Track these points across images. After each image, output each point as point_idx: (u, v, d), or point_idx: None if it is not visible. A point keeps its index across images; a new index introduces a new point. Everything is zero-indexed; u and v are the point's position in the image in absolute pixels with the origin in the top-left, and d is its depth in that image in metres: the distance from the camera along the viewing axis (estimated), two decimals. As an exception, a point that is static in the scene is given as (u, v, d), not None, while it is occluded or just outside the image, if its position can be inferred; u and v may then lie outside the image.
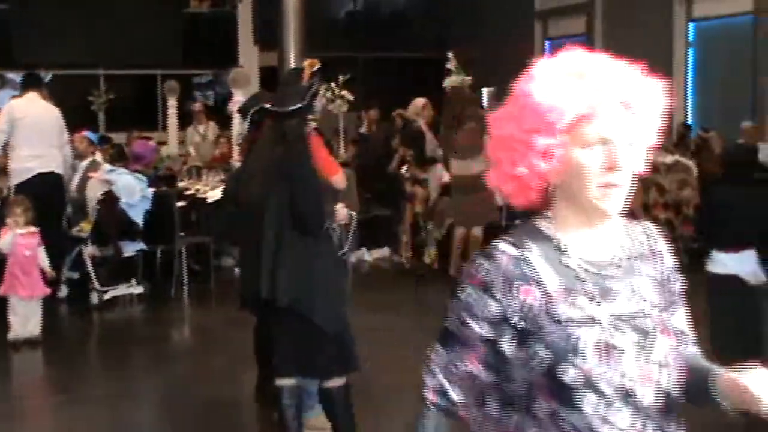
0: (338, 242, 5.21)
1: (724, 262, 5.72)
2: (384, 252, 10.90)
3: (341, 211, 5.07)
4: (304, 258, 4.65)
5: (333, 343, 4.75)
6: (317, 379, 4.85)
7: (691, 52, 16.07)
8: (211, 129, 13.02)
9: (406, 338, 7.78)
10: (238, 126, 9.61)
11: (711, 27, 15.82)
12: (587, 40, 17.88)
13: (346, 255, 5.66)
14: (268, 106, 4.83)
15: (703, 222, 5.90)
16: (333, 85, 11.48)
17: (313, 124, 5.17)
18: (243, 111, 6.01)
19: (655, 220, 10.81)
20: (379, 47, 22.43)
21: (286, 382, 4.89)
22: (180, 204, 9.61)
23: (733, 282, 5.71)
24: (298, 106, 4.74)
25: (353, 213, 5.64)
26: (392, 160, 11.22)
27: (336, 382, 4.88)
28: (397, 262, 10.08)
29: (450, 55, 11.75)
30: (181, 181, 10.90)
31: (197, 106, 13.76)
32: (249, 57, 18.78)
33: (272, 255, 4.62)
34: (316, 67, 5.16)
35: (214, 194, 9.75)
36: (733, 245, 5.70)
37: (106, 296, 8.89)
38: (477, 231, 9.62)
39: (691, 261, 10.41)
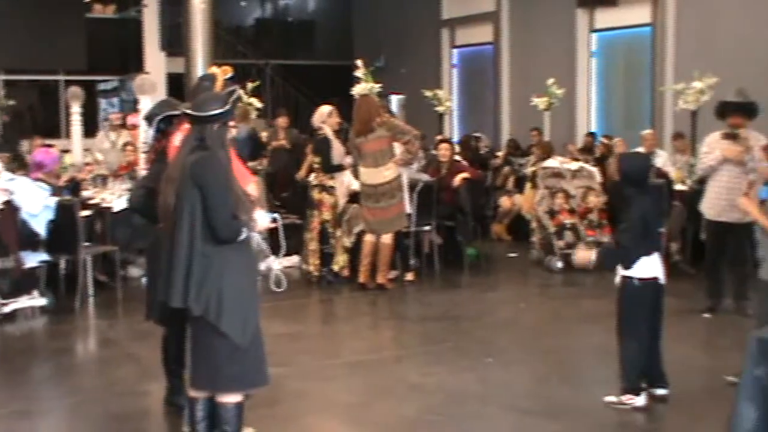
0: (257, 251, 5.17)
1: (645, 266, 5.87)
2: (293, 260, 10.85)
3: (262, 218, 5.02)
4: (217, 266, 4.59)
5: (240, 355, 4.66)
6: (223, 392, 4.75)
7: (593, 61, 16.41)
8: (122, 137, 12.81)
9: (313, 346, 7.79)
10: (144, 134, 9.46)
11: (612, 37, 16.19)
12: (494, 49, 18.12)
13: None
14: (189, 111, 4.74)
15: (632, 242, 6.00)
16: (242, 92, 11.40)
17: (234, 131, 5.13)
18: (149, 118, 5.93)
19: (560, 225, 11.01)
20: (287, 54, 22.39)
21: (198, 393, 4.82)
22: (84, 213, 9.42)
23: (653, 284, 5.91)
24: (221, 110, 4.69)
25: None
26: (301, 167, 11.19)
27: (233, 398, 4.77)
28: (306, 270, 10.06)
29: (358, 62, 11.77)
30: (86, 189, 10.68)
31: (116, 117, 13.52)
32: (155, 63, 18.53)
33: (186, 264, 4.55)
34: (229, 75, 5.12)
35: (120, 203, 9.58)
36: (652, 249, 5.87)
37: (6, 309, 8.64)
38: (387, 238, 9.66)
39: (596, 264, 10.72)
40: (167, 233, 4.72)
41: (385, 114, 10.08)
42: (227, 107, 4.74)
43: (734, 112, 8.28)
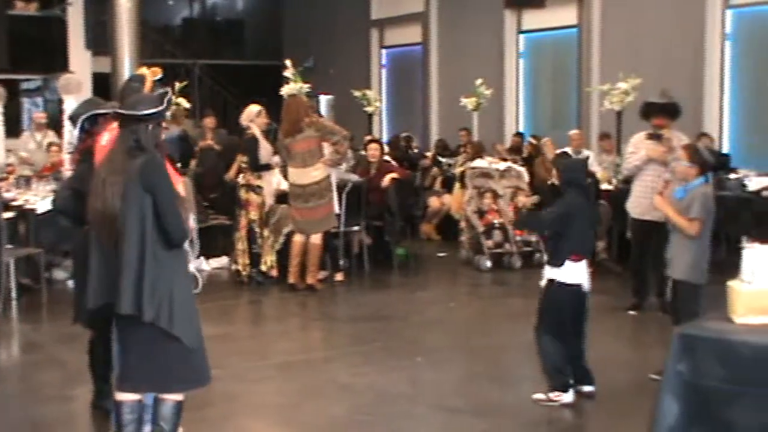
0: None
1: (570, 271, 5.94)
2: (222, 261, 10.78)
3: (190, 221, 4.98)
4: (167, 271, 4.55)
5: (189, 356, 4.65)
6: (173, 393, 4.72)
7: (521, 62, 16.58)
8: (48, 137, 12.58)
9: (243, 347, 7.74)
10: (69, 134, 9.31)
11: (540, 39, 16.37)
12: (423, 49, 18.20)
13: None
14: (123, 110, 4.67)
15: (545, 213, 6.09)
16: (170, 92, 11.26)
17: (165, 132, 5.07)
18: (73, 118, 5.82)
19: (489, 225, 11.09)
20: (216, 54, 22.22)
21: (127, 397, 4.76)
22: (7, 215, 9.22)
23: (577, 290, 5.98)
24: (155, 111, 4.63)
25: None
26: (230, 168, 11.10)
27: (177, 397, 4.77)
28: (235, 270, 10.00)
29: (287, 62, 11.74)
30: (8, 191, 10.45)
31: (41, 117, 13.24)
32: (81, 62, 18.23)
33: (137, 269, 4.48)
34: (158, 77, 5.06)
35: (45, 204, 9.40)
36: (577, 254, 5.94)
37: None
38: (316, 238, 9.64)
39: (525, 263, 10.84)
40: (105, 237, 4.62)
41: (313, 114, 10.07)
42: (161, 108, 4.69)
43: (658, 112, 8.44)
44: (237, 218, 9.93)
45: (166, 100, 4.74)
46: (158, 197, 4.52)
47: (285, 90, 11.58)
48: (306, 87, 11.43)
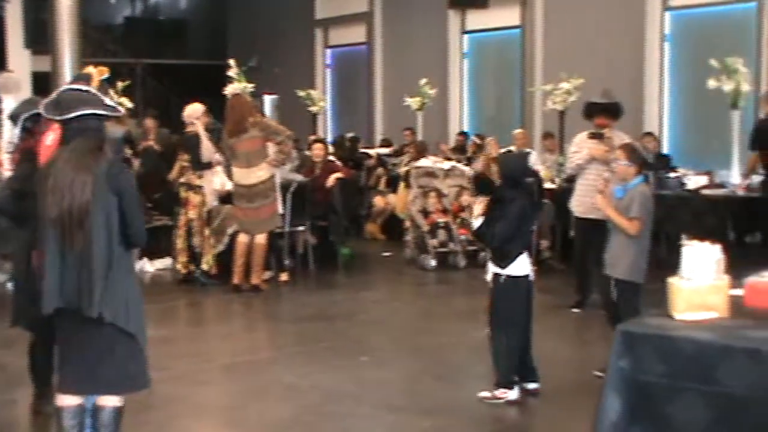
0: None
1: (519, 264, 5.99)
2: (166, 262, 10.68)
3: None
4: (123, 271, 4.51)
5: (136, 357, 4.62)
6: (115, 393, 4.67)
7: (465, 62, 16.67)
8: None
9: (187, 349, 7.68)
10: (9, 133, 9.15)
11: (483, 39, 16.48)
12: (367, 49, 18.22)
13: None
14: (90, 111, 4.58)
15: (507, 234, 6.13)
16: (112, 91, 11.14)
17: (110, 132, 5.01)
18: (14, 117, 5.72)
19: (434, 224, 11.13)
20: (158, 54, 22.02)
21: (69, 402, 4.68)
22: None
23: (526, 281, 6.04)
24: (106, 112, 4.58)
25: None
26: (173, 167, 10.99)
27: (114, 402, 4.69)
28: (177, 270, 9.91)
29: (231, 62, 11.67)
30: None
31: None
32: (20, 61, 17.93)
33: (105, 273, 4.41)
34: (105, 76, 4.99)
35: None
36: (525, 248, 6.00)
37: None
38: (260, 238, 9.60)
39: (469, 262, 10.90)
40: (73, 238, 4.49)
41: (258, 114, 10.03)
42: (113, 108, 4.66)
43: (600, 112, 8.54)
44: (177, 217, 9.88)
45: (114, 102, 4.73)
46: (125, 200, 4.49)
47: (229, 90, 11.49)
48: (250, 87, 11.36)
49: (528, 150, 12.06)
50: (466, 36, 16.59)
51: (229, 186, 10.07)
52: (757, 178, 10.14)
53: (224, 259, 9.94)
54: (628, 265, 6.33)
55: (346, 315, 8.87)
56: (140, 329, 4.62)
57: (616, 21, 13.52)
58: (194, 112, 9.81)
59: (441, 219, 11.26)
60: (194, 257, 9.84)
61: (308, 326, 8.40)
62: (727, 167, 10.55)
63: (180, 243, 9.84)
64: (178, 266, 9.88)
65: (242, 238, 9.63)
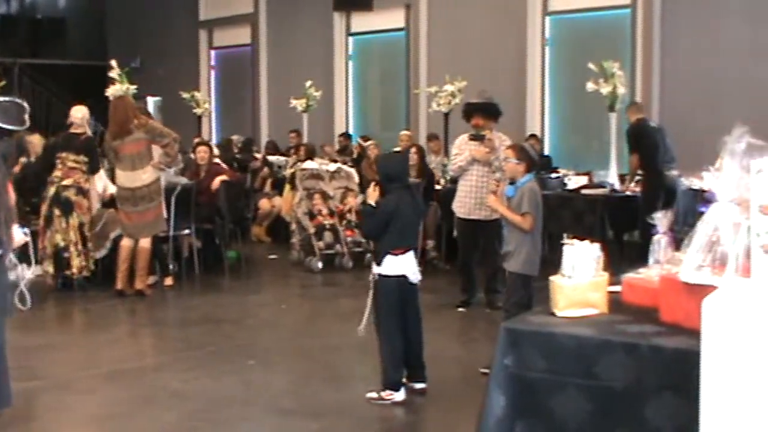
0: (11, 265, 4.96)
1: (392, 264, 6.03)
2: (48, 268, 10.39)
3: (18, 235, 4.81)
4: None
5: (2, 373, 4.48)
6: None
7: (351, 64, 16.72)
8: None
9: (70, 357, 7.50)
10: None
11: (369, 41, 16.56)
12: (252, 51, 18.11)
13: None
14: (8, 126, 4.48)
15: (372, 227, 6.19)
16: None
17: None
18: None
19: (320, 226, 11.14)
20: (36, 53, 21.44)
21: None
22: None
23: (401, 282, 6.05)
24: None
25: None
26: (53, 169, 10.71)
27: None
28: (46, 272, 9.57)
29: (113, 63, 11.46)
30: None
31: None
32: None
33: None
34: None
35: None
36: (399, 248, 6.02)
37: None
38: (145, 242, 9.44)
39: (356, 264, 10.94)
40: None
41: (142, 116, 9.85)
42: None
43: (476, 112, 8.68)
44: (56, 220, 9.42)
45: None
46: (6, 206, 4.38)
47: (111, 91, 11.29)
48: (132, 88, 11.18)
49: (409, 150, 12.19)
50: (351, 38, 16.65)
51: (111, 189, 9.87)
52: (636, 179, 10.48)
53: (108, 264, 9.74)
54: (522, 260, 6.47)
55: (233, 319, 8.79)
56: (3, 344, 4.47)
57: (498, 25, 13.76)
58: (84, 113, 9.56)
59: (327, 221, 11.27)
60: (60, 263, 9.46)
61: (194, 331, 8.30)
62: (606, 167, 10.87)
63: (50, 248, 9.45)
64: (48, 270, 9.49)
65: (126, 243, 9.45)
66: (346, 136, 15.38)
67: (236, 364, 7.09)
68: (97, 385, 6.67)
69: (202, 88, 18.47)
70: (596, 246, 3.88)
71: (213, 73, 19.62)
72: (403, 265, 6.08)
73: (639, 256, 5.72)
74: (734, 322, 2.45)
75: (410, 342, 6.15)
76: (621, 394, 3.30)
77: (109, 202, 9.91)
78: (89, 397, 6.43)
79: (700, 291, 3.00)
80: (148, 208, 9.43)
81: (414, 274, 6.13)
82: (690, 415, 2.60)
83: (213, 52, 19.61)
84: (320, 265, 10.99)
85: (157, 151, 9.51)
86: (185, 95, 15.70)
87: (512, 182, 6.64)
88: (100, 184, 9.96)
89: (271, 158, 14.69)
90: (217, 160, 11.75)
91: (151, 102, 18.69)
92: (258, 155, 14.98)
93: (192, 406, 6.10)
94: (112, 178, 9.79)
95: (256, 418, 5.93)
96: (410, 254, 6.13)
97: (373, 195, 6.14)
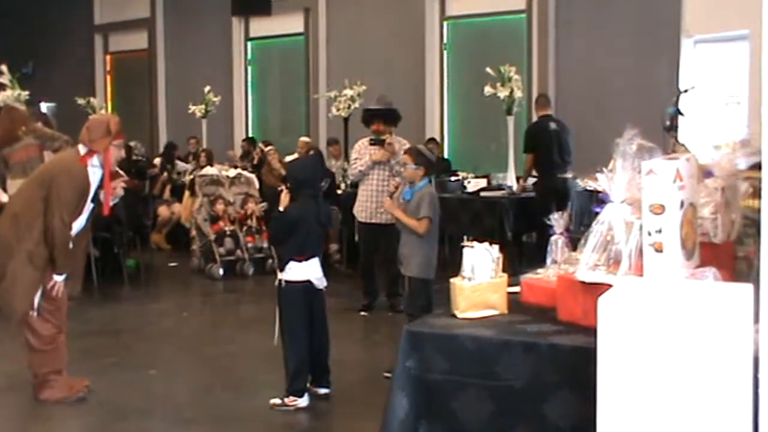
0: None
1: (297, 270, 6.00)
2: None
3: None
4: None
5: None
6: None
7: (250, 69, 16.62)
8: None
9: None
10: None
11: (268, 46, 16.48)
12: (149, 56, 17.84)
13: None
14: None
15: (278, 233, 6.16)
16: None
17: None
18: None
19: (220, 232, 11.03)
20: None
21: None
22: None
23: (307, 288, 6.05)
24: None
25: None
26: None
27: None
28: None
29: (3, 68, 11.16)
30: None
31: None
32: None
33: None
34: None
35: None
36: (302, 255, 6.00)
37: None
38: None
39: (257, 270, 10.87)
40: None
41: (31, 122, 9.60)
42: None
43: (376, 119, 8.73)
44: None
45: None
46: None
47: (2, 97, 11.00)
48: (25, 94, 10.90)
49: (321, 154, 12.19)
50: (250, 43, 16.55)
51: (4, 198, 9.59)
52: (531, 180, 10.65)
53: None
54: (419, 264, 6.52)
55: (133, 328, 8.65)
56: None
57: (397, 29, 13.84)
58: None
59: (227, 227, 11.17)
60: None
61: (93, 341, 8.12)
62: (504, 170, 11.03)
63: None
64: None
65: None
66: (249, 141, 15.26)
67: (137, 374, 6.97)
68: (-9, 400, 6.49)
69: (99, 94, 18.12)
70: (495, 247, 3.92)
71: (109, 78, 19.28)
72: (308, 270, 6.06)
73: (537, 256, 5.82)
74: (628, 319, 2.51)
75: (316, 348, 6.14)
76: (521, 393, 3.34)
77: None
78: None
79: (595, 289, 3.06)
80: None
81: (319, 280, 6.12)
82: (587, 411, 2.65)
83: (109, 57, 19.26)
84: (221, 271, 10.88)
85: (48, 156, 9.27)
86: (81, 101, 15.37)
87: (411, 186, 6.68)
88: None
89: (179, 163, 14.50)
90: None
91: (45, 108, 18.25)
92: (157, 161, 14.77)
93: (91, 418, 5.98)
94: (5, 188, 9.52)
95: (157, 429, 5.84)
96: (315, 260, 6.11)
97: (284, 200, 6.10)
